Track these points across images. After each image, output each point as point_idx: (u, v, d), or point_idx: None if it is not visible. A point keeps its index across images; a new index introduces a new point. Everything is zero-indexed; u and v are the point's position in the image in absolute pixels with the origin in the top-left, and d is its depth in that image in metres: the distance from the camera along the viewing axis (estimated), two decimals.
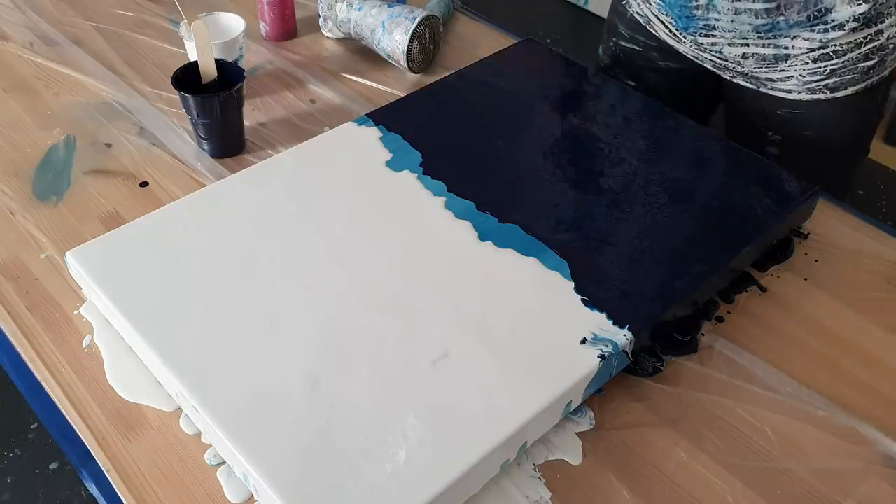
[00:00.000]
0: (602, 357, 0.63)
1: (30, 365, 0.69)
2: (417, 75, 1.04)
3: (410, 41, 0.99)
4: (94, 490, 0.62)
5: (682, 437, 0.65)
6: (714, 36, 0.88)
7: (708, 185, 0.80)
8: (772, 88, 0.91)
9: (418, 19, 0.99)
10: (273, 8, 1.06)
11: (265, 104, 0.98)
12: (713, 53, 0.91)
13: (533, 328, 0.66)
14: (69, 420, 0.65)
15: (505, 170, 0.81)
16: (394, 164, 0.81)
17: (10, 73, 1.02)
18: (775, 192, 0.79)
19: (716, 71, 0.95)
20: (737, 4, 0.83)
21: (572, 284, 0.69)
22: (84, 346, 0.70)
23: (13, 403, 1.54)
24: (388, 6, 1.02)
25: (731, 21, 0.85)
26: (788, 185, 0.80)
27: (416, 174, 0.80)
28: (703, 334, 0.72)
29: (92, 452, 0.63)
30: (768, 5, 0.82)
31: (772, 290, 0.77)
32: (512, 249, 0.72)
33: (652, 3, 0.93)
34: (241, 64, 0.99)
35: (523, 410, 0.60)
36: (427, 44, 1.03)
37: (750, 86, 0.93)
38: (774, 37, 0.85)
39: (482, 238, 0.73)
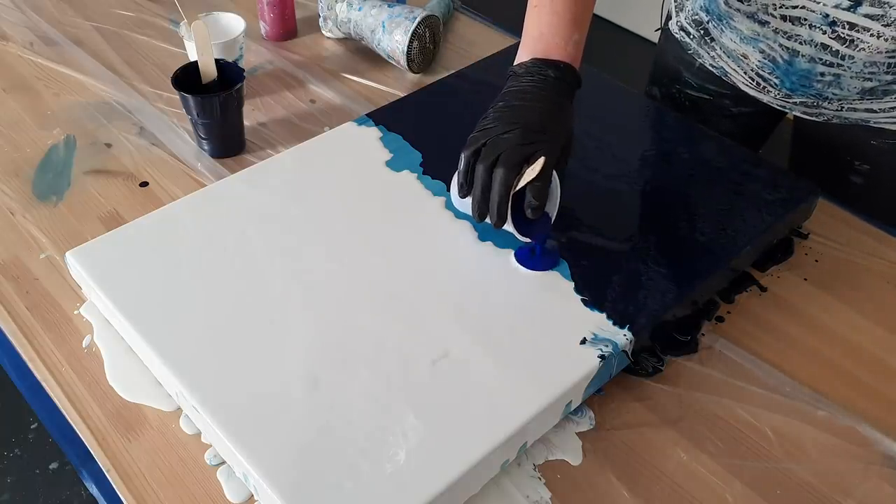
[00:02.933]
0: (602, 357, 0.63)
1: (30, 365, 0.69)
2: (417, 75, 1.04)
3: (410, 41, 0.99)
4: (94, 490, 0.62)
5: (682, 437, 0.65)
6: (825, 99, 0.85)
7: (708, 185, 0.80)
8: (873, 122, 0.87)
9: (418, 19, 0.99)
10: (273, 8, 1.06)
11: (265, 104, 0.98)
12: (810, 104, 0.88)
13: (533, 328, 0.66)
14: (69, 420, 0.65)
15: None
16: (394, 164, 0.81)
17: (10, 73, 1.02)
18: (775, 192, 0.79)
19: (805, 117, 0.91)
20: (866, 84, 0.81)
21: (572, 284, 0.69)
22: (84, 346, 0.70)
23: (13, 403, 1.55)
24: (388, 6, 1.02)
25: (852, 90, 0.82)
26: (788, 185, 0.80)
27: (416, 174, 0.80)
28: (703, 334, 0.72)
29: (92, 452, 0.63)
30: None
31: (772, 290, 0.77)
32: (512, 249, 0.72)
33: (750, 60, 0.88)
34: (241, 64, 0.99)
35: (523, 410, 0.60)
36: (427, 44, 1.03)
37: (844, 123, 0.89)
38: (888, 83, 0.82)
39: (482, 238, 0.73)
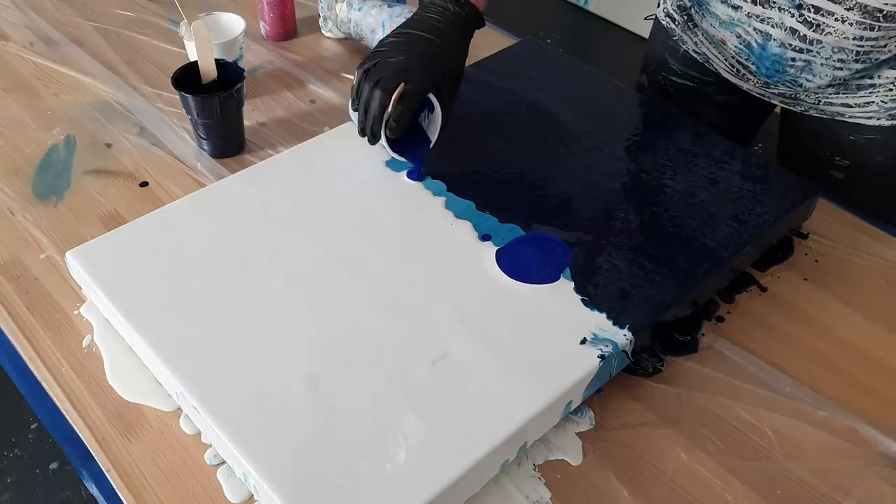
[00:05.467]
0: (602, 357, 0.63)
1: (30, 365, 0.69)
2: None
3: None
4: (94, 490, 0.62)
5: (682, 437, 0.65)
6: (799, 88, 0.87)
7: (708, 185, 0.80)
8: (849, 116, 0.88)
9: None
10: (273, 8, 1.06)
11: (265, 104, 0.98)
12: (788, 94, 0.90)
13: (533, 328, 0.66)
14: (69, 420, 0.65)
15: (505, 170, 0.81)
16: (394, 164, 0.81)
17: (10, 73, 1.02)
18: (775, 192, 0.79)
19: (784, 105, 0.93)
20: (837, 73, 0.82)
21: (572, 284, 0.69)
22: (84, 346, 0.70)
23: (13, 403, 1.55)
24: (388, 6, 1.02)
25: (825, 77, 0.84)
26: (789, 185, 0.80)
27: None
28: (703, 334, 0.73)
29: (92, 452, 0.63)
30: (867, 65, 0.81)
31: (772, 290, 0.77)
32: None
33: (728, 46, 0.89)
34: (241, 64, 0.99)
35: (523, 410, 0.60)
36: None
37: (822, 116, 0.91)
38: (861, 77, 0.84)
39: (482, 238, 0.73)
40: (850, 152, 0.91)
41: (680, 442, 0.64)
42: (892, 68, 0.82)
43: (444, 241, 0.73)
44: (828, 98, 0.88)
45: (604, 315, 0.67)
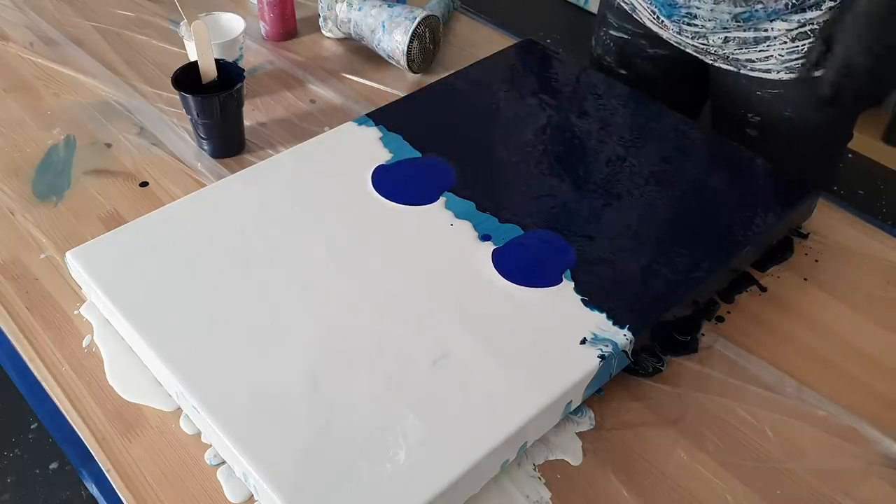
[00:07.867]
0: (602, 357, 0.63)
1: (30, 365, 0.69)
2: (417, 75, 1.04)
3: (410, 41, 0.99)
4: (94, 490, 0.62)
5: (682, 437, 0.65)
6: (696, 25, 0.90)
7: (708, 186, 0.80)
8: (752, 70, 0.91)
9: (418, 19, 0.99)
10: (273, 8, 1.06)
11: (265, 104, 0.98)
12: (695, 39, 0.92)
13: (533, 328, 0.66)
14: (69, 420, 0.65)
15: (505, 169, 0.81)
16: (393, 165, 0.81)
17: (10, 73, 1.02)
18: (775, 192, 0.79)
19: (698, 56, 0.96)
20: None
21: (572, 284, 0.69)
22: (84, 346, 0.70)
23: (13, 403, 1.55)
24: (388, 6, 1.02)
25: (711, 10, 0.86)
26: (788, 185, 0.80)
27: None
28: (703, 334, 0.73)
29: (92, 452, 0.63)
30: None
31: (772, 290, 0.77)
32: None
33: None
34: (241, 64, 0.99)
35: (523, 410, 0.60)
36: (427, 44, 1.03)
37: (731, 68, 0.93)
38: (754, 27, 0.86)
39: (482, 238, 0.73)
40: (760, 108, 0.93)
41: (680, 442, 0.64)
42: (783, 20, 0.84)
43: (444, 241, 0.73)
44: (733, 53, 0.90)
45: (604, 315, 0.67)
